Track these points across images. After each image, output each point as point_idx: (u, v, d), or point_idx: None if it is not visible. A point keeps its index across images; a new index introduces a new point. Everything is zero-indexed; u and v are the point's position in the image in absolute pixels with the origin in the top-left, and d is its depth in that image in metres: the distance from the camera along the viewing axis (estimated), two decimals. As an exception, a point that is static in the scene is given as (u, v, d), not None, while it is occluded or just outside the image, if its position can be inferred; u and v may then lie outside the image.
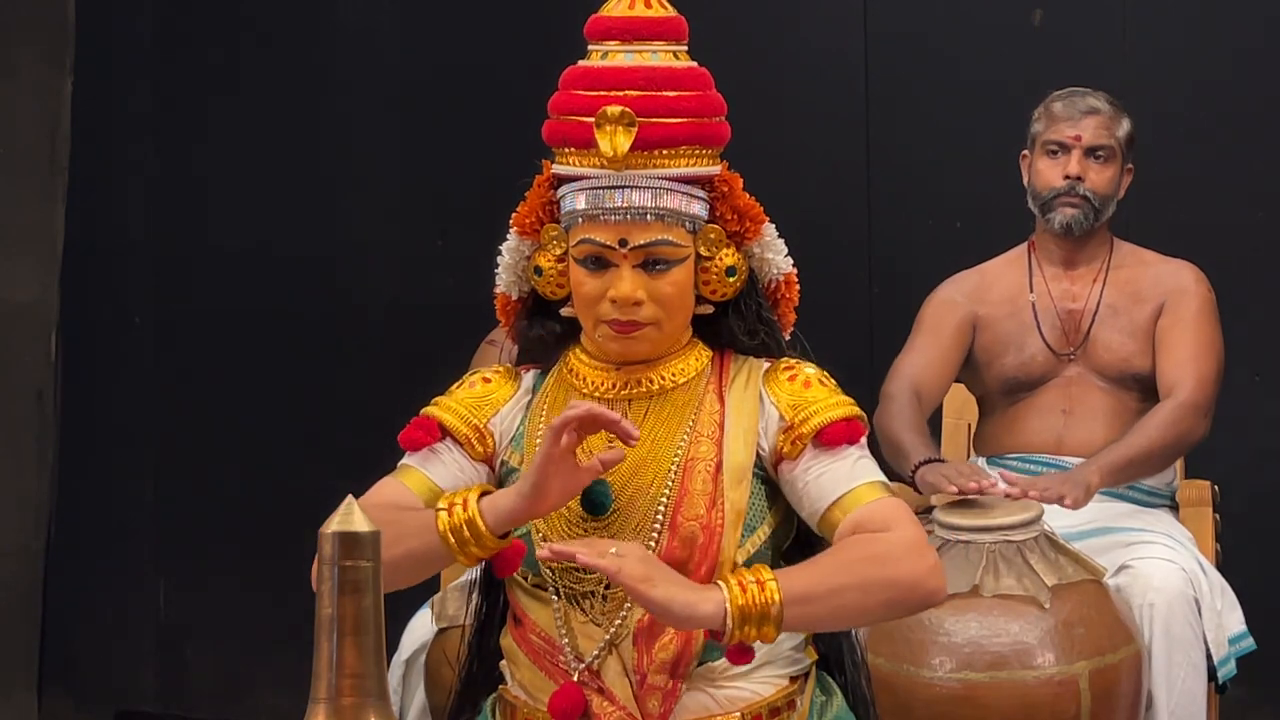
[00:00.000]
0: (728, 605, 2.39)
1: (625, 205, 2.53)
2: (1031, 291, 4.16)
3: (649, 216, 2.54)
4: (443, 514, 2.47)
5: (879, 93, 4.88)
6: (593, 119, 2.52)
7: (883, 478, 2.59)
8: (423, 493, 2.60)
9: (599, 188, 2.55)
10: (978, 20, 4.82)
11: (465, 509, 2.47)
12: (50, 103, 5.48)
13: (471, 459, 2.63)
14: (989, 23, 4.82)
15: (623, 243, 2.54)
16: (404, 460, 2.65)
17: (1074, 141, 4.07)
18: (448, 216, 5.19)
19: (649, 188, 2.54)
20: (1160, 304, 4.08)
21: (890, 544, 2.49)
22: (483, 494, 2.49)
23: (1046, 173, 4.10)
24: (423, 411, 2.66)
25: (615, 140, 2.51)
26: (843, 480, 2.55)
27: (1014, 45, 4.78)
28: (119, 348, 5.50)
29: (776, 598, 2.41)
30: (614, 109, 2.51)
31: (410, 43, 5.25)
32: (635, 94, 2.54)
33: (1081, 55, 4.66)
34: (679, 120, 2.54)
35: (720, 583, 2.42)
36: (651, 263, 2.55)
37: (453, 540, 2.47)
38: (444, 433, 2.63)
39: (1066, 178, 4.07)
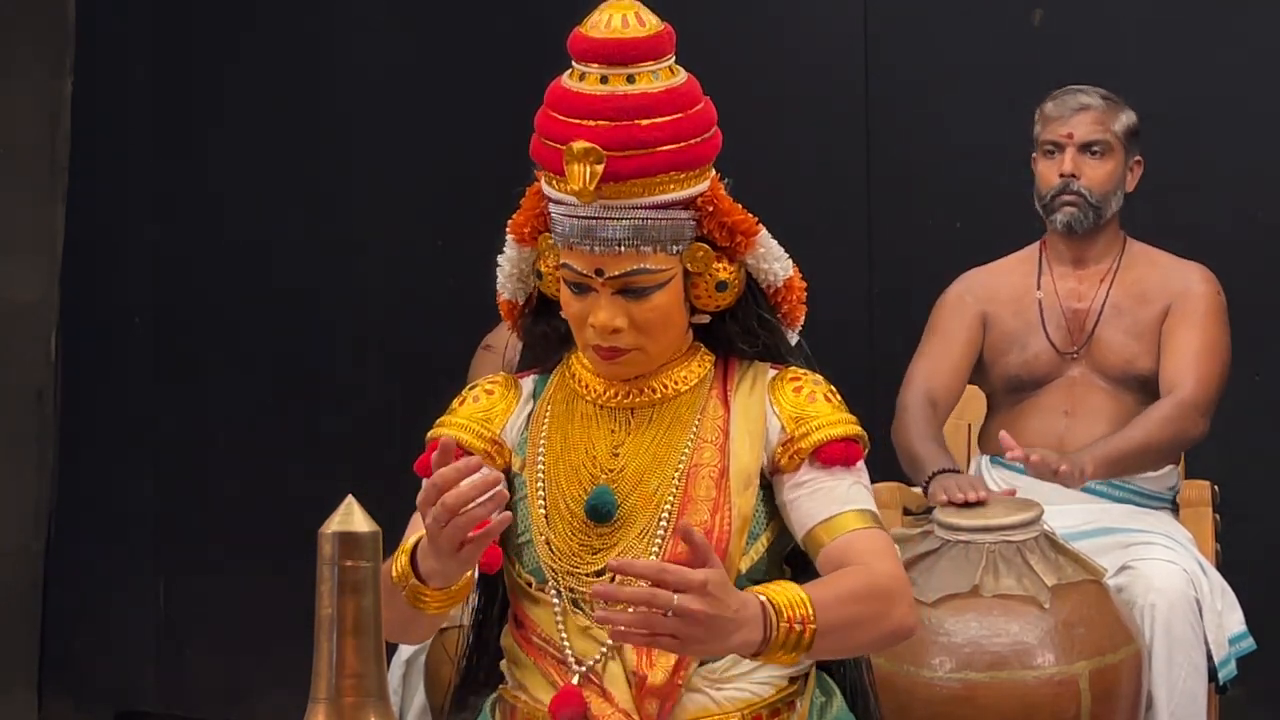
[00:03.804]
0: (767, 637, 2.34)
1: (598, 237, 2.49)
2: (1039, 289, 4.15)
3: (621, 248, 2.49)
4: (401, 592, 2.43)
5: (879, 93, 4.88)
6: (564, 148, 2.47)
7: (873, 507, 2.58)
8: None
9: (574, 216, 2.51)
10: (978, 20, 4.82)
11: (407, 582, 2.42)
12: (50, 103, 5.48)
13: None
14: (989, 22, 4.81)
15: (599, 272, 2.51)
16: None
17: (1066, 139, 4.08)
18: (447, 217, 5.18)
19: (622, 220, 2.49)
20: (1167, 305, 4.07)
21: (885, 580, 2.48)
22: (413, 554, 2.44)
23: (1046, 173, 4.11)
24: (431, 435, 2.64)
25: (584, 176, 2.45)
26: (834, 502, 2.54)
27: (1014, 45, 4.78)
28: (119, 348, 5.50)
29: (811, 632, 2.37)
30: (580, 145, 2.45)
31: (410, 43, 5.25)
32: (606, 124, 2.46)
33: (1081, 55, 4.66)
34: (653, 150, 2.47)
35: (764, 601, 2.35)
36: (630, 290, 2.52)
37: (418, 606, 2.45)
38: (461, 451, 2.59)
39: (1062, 175, 4.08)
